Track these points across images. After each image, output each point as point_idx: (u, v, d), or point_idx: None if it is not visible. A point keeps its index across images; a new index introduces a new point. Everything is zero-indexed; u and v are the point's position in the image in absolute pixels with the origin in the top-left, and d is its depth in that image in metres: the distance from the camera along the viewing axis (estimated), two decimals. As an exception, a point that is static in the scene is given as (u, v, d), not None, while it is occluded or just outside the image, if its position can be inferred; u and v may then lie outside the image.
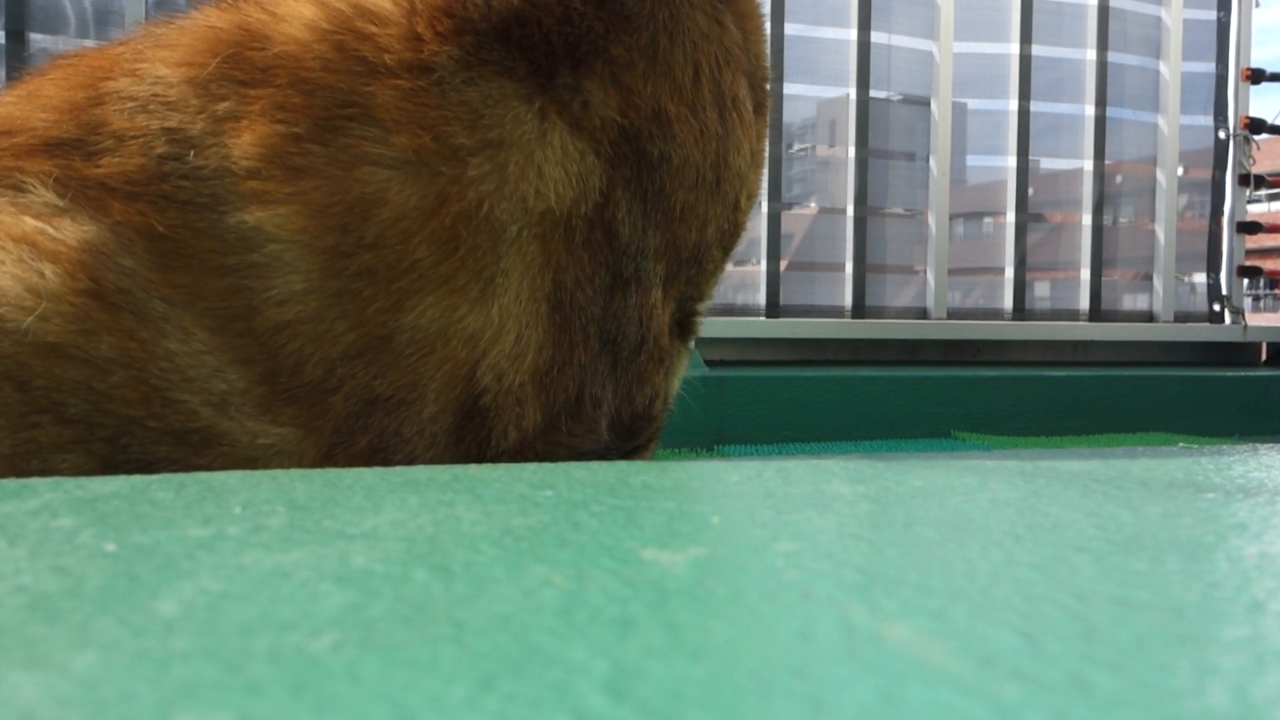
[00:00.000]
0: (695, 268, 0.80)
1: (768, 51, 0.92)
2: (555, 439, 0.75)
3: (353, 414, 0.67)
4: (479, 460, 0.72)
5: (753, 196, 0.86)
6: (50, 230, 0.62)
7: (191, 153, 0.65)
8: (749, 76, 0.83)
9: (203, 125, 0.65)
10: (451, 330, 0.68)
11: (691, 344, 0.89)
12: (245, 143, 0.64)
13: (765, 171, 1.05)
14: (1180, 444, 0.90)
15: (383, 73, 0.66)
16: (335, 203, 0.65)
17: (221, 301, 0.64)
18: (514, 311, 0.69)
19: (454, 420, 0.70)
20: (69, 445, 0.62)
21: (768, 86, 0.89)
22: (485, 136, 0.68)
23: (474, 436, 0.71)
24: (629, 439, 0.81)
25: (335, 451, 0.67)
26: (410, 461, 0.69)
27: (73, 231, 0.62)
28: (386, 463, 0.68)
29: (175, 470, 0.63)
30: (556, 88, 0.71)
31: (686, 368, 0.92)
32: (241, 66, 0.66)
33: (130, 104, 0.66)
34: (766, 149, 0.90)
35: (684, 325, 0.85)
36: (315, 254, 0.65)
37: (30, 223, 0.63)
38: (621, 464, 0.63)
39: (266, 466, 0.65)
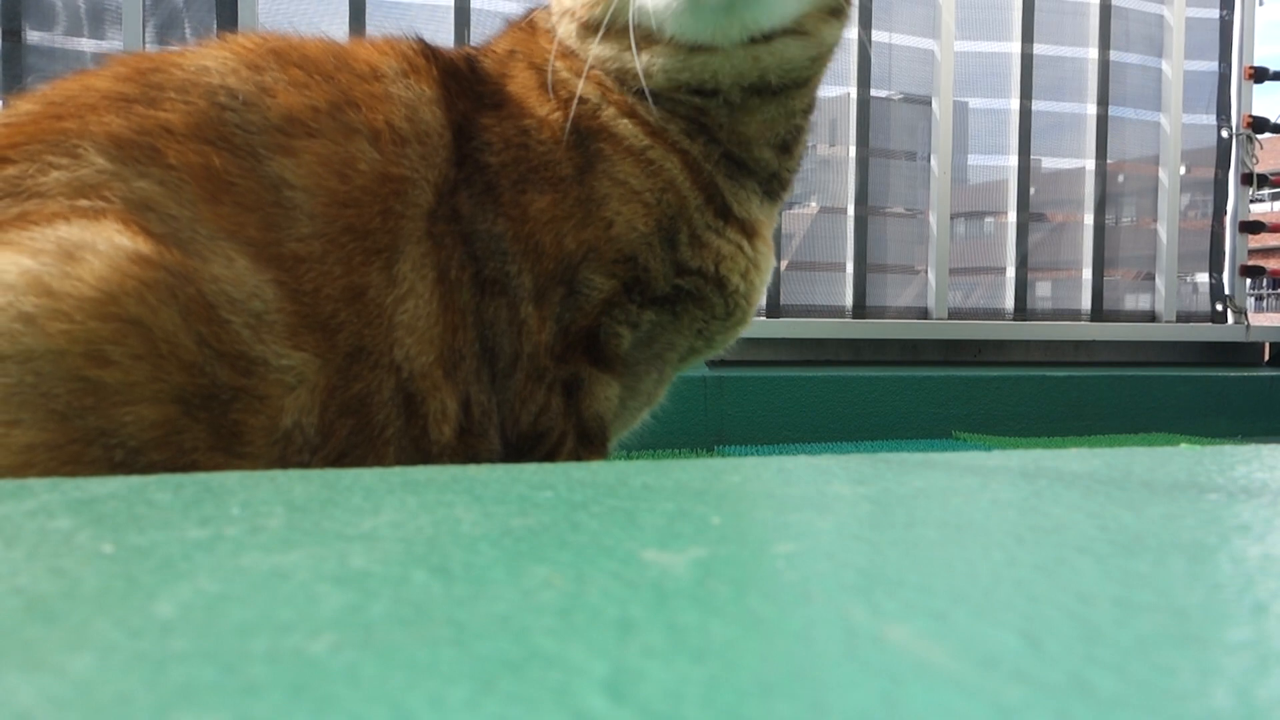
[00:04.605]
0: (565, 288, 0.89)
1: None
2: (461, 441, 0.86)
3: (350, 355, 0.79)
4: (427, 450, 0.83)
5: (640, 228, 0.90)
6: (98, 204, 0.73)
7: (244, 106, 0.80)
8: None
9: (252, 89, 0.82)
10: (384, 304, 0.81)
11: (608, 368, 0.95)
12: (280, 105, 0.81)
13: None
14: (1183, 445, 0.90)
15: (361, 78, 0.87)
16: (336, 158, 0.81)
17: (257, 233, 0.77)
18: (411, 279, 0.83)
19: (403, 398, 0.82)
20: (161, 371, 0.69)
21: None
22: (417, 128, 0.87)
23: (417, 419, 0.83)
24: (519, 457, 0.90)
25: (337, 390, 0.79)
26: (385, 424, 0.81)
27: (121, 192, 0.73)
28: (370, 416, 0.80)
29: (232, 403, 0.73)
30: (449, 95, 0.91)
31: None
32: (284, 57, 0.86)
33: (195, 66, 0.82)
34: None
35: (594, 350, 0.92)
36: (319, 199, 0.79)
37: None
38: (621, 464, 0.63)
39: (291, 393, 0.76)
